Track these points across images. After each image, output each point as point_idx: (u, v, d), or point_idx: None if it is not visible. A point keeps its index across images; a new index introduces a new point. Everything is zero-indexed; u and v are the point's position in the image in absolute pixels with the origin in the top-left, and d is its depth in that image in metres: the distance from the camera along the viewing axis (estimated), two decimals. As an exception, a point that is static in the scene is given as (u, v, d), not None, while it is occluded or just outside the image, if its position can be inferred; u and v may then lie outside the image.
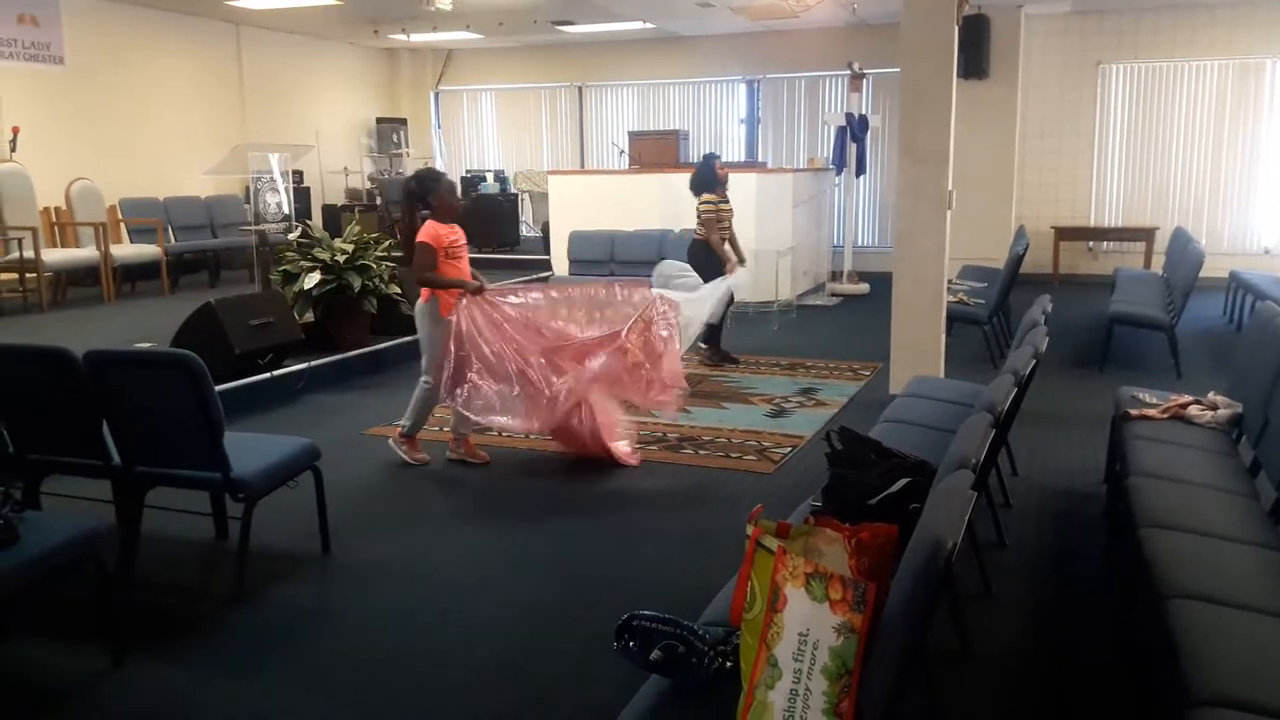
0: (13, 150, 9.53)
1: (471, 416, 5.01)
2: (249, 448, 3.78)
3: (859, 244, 12.10)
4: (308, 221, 8.86)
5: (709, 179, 7.43)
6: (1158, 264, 10.43)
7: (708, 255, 7.30)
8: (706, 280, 7.14)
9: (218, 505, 4.13)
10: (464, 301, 4.92)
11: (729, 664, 2.19)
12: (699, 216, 7.41)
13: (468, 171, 14.57)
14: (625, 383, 5.06)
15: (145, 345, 6.12)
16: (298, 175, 12.37)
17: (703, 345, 7.45)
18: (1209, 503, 3.26)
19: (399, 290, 7.51)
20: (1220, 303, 9.33)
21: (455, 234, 5.04)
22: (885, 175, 12.45)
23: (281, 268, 7.56)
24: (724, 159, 9.27)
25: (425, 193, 5.01)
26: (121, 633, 3.22)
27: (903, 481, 2.94)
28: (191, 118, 11.77)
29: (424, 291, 5.09)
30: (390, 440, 5.27)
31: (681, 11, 11.35)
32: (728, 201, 7.50)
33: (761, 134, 13.52)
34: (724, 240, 7.38)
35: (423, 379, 5.14)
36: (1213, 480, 3.48)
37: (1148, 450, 3.74)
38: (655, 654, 2.22)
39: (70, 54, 10.32)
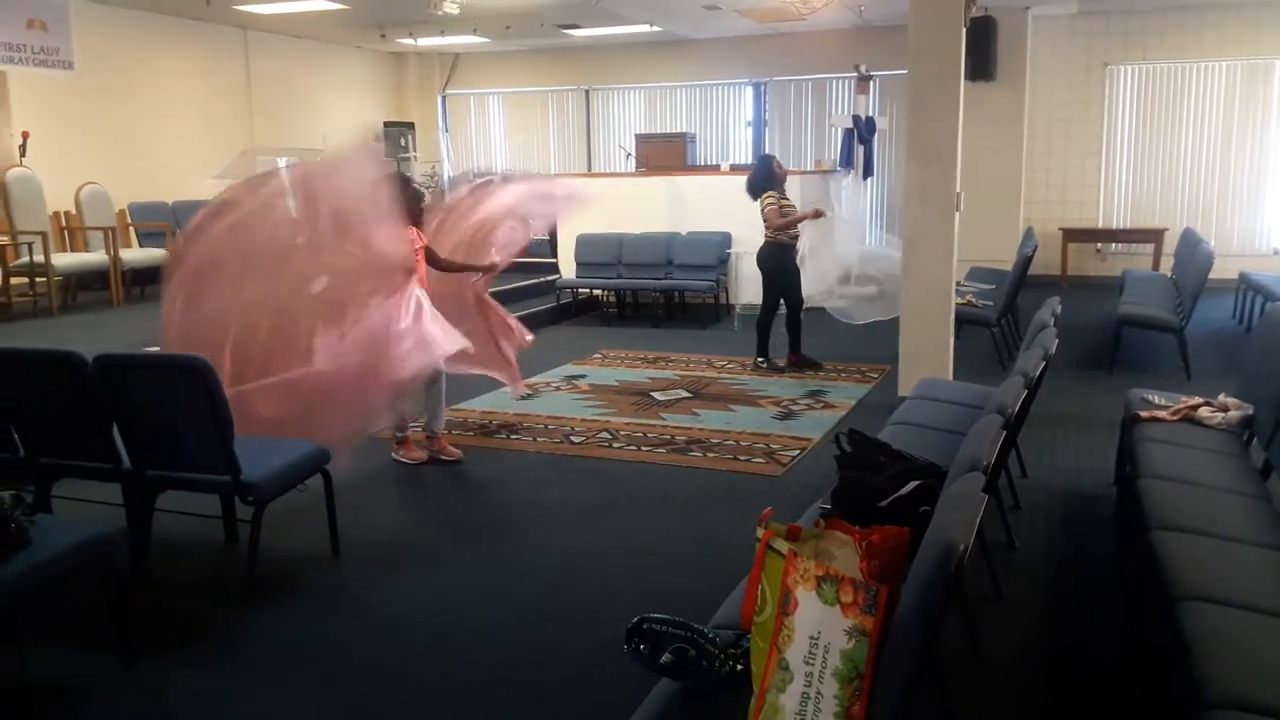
0: (22, 155, 9.56)
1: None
2: (259, 451, 3.79)
3: (867, 246, 12.07)
4: (315, 225, 8.84)
5: (766, 178, 7.34)
6: (1166, 265, 10.40)
7: (781, 254, 7.27)
8: (785, 282, 7.26)
9: (228, 508, 4.14)
10: None
11: (739, 667, 2.19)
12: (763, 216, 7.29)
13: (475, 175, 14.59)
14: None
15: (155, 349, 6.13)
16: (305, 179, 12.37)
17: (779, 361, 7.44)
18: (1220, 505, 3.25)
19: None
20: (1230, 304, 9.30)
21: (411, 234, 5.00)
22: (893, 177, 12.43)
23: (290, 271, 7.56)
24: (733, 161, 9.19)
25: None
26: (132, 636, 3.23)
27: (913, 484, 2.94)
28: (200, 122, 11.80)
29: None
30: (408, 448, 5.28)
31: (687, 14, 11.35)
32: (788, 198, 7.43)
33: (769, 136, 13.51)
34: (796, 224, 7.31)
35: None
36: (1224, 482, 3.47)
37: (1158, 452, 3.73)
38: (666, 657, 2.22)
39: (79, 59, 10.36)
